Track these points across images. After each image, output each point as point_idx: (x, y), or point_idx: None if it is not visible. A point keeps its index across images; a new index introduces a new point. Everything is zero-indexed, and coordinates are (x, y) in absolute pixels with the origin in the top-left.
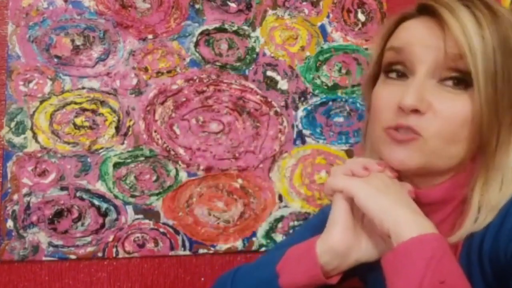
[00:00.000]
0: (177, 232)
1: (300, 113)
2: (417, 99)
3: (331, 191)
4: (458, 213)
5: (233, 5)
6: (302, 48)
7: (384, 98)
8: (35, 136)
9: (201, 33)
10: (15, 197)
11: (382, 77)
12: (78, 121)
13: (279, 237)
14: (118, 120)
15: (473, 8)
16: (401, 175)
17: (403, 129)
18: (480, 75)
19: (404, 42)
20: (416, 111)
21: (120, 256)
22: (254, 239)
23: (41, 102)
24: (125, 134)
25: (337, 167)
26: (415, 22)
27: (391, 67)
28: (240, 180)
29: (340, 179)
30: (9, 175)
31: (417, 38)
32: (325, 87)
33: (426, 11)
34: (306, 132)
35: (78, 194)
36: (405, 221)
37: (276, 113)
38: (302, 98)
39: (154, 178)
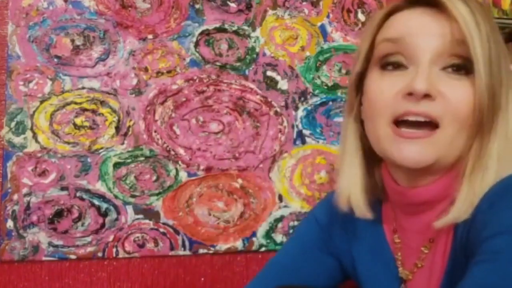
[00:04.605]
0: (177, 232)
1: (300, 113)
2: (428, 83)
3: None
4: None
5: (233, 5)
6: (302, 48)
7: (385, 91)
8: (35, 136)
9: (201, 33)
10: (15, 197)
11: (376, 71)
12: (78, 121)
13: (279, 237)
14: (118, 120)
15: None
16: (400, 172)
17: (411, 127)
18: (480, 59)
19: (402, 32)
20: (427, 96)
21: (120, 256)
22: (254, 239)
23: (41, 102)
24: (125, 134)
25: None
26: (410, 13)
27: (387, 59)
28: (240, 180)
29: None
30: (9, 175)
31: (419, 27)
32: (325, 87)
33: (418, 2)
34: (306, 132)
35: (78, 194)
36: None
37: (276, 113)
38: (302, 98)
39: (154, 178)
